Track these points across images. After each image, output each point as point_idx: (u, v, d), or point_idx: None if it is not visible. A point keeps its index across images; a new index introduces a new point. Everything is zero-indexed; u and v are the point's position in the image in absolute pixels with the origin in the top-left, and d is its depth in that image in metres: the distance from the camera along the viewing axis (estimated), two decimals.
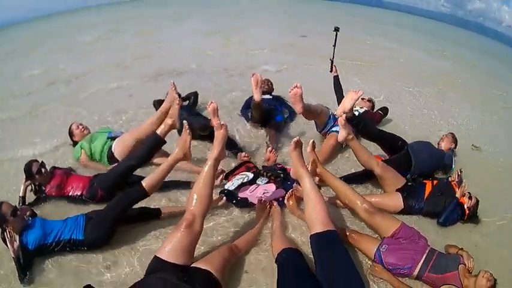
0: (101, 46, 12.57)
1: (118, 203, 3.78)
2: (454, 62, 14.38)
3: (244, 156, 5.24)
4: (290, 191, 4.43)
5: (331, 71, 6.31)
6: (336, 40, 6.12)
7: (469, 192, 4.47)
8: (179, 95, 4.71)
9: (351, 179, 4.94)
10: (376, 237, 3.95)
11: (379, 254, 3.69)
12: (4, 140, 6.09)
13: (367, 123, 5.03)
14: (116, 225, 3.77)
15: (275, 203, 4.31)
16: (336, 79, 6.24)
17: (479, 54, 18.11)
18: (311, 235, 3.30)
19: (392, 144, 5.16)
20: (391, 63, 12.38)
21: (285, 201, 4.38)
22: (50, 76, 9.49)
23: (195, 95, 6.72)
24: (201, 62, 10.41)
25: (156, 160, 4.90)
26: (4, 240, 3.40)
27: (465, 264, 3.54)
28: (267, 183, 4.73)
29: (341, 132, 4.42)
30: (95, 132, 5.33)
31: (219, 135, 3.62)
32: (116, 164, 4.75)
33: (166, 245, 3.01)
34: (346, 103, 4.57)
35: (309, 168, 3.90)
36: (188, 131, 3.88)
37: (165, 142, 4.51)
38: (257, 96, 5.48)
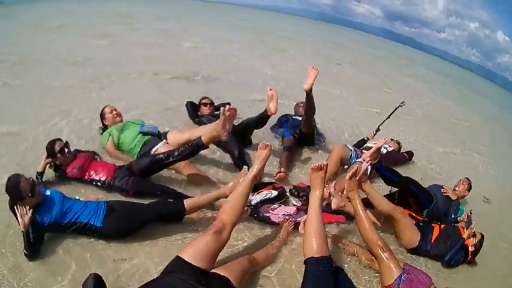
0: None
1: (153, 209, 3.77)
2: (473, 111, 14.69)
3: (281, 172, 5.21)
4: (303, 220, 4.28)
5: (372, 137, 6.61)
6: (394, 111, 6.42)
7: (474, 232, 4.55)
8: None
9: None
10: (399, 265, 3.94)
11: (398, 281, 3.70)
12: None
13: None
14: (141, 226, 3.73)
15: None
16: (364, 141, 6.59)
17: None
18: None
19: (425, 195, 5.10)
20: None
21: (300, 228, 4.32)
22: None
23: (228, 104, 6.58)
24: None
25: (185, 171, 4.87)
26: (14, 213, 3.25)
27: None
28: (297, 207, 4.67)
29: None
30: (127, 122, 5.21)
31: (262, 154, 3.68)
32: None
33: (191, 247, 2.96)
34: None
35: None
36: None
37: (207, 147, 4.54)
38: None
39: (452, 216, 5.24)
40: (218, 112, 6.24)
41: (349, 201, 4.23)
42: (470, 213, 5.00)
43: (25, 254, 3.23)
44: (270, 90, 5.24)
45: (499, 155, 10.22)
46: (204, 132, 4.52)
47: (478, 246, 4.52)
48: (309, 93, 5.25)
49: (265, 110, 5.32)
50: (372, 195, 4.37)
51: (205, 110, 6.37)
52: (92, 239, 3.59)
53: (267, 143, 3.74)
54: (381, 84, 13.68)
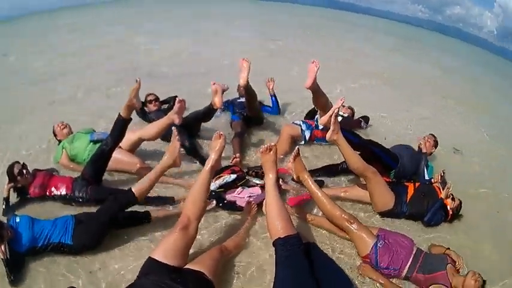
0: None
1: (108, 208, 3.85)
2: (433, 67, 15.28)
3: (236, 158, 5.37)
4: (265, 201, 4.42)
5: None
6: None
7: (452, 194, 4.71)
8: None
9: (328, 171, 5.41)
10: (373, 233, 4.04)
11: (375, 250, 3.82)
12: None
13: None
14: (105, 230, 3.85)
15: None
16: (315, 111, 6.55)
17: (459, 60, 18.87)
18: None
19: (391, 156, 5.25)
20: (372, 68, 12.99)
21: (263, 207, 4.30)
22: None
23: (174, 99, 6.54)
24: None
25: (137, 170, 5.03)
26: None
27: (453, 264, 3.76)
28: (260, 185, 4.85)
29: (330, 129, 4.39)
30: (77, 133, 5.38)
31: (216, 144, 3.77)
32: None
33: (161, 246, 3.12)
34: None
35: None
36: (177, 137, 4.02)
37: (130, 120, 4.59)
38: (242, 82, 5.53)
39: (425, 172, 5.39)
40: (165, 106, 6.68)
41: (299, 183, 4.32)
42: (443, 173, 5.13)
43: (9, 282, 3.45)
44: (213, 84, 5.45)
45: (465, 106, 10.64)
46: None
47: (456, 211, 4.71)
48: (246, 87, 5.53)
49: (211, 103, 5.52)
50: (344, 149, 4.39)
51: (152, 107, 6.48)
52: (68, 256, 3.76)
53: (221, 133, 3.83)
54: (325, 54, 13.72)
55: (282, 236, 3.17)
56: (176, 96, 6.35)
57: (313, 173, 5.02)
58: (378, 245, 3.83)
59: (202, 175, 3.60)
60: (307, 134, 6.16)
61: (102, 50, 11.65)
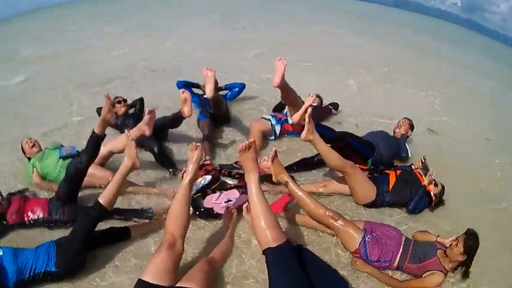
0: None
1: (81, 226, 3.78)
2: (395, 44, 15.74)
3: (206, 160, 5.41)
4: (245, 205, 4.43)
5: None
6: None
7: (434, 179, 4.85)
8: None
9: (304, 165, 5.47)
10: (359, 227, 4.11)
11: (364, 244, 3.89)
12: None
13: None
14: (84, 249, 3.79)
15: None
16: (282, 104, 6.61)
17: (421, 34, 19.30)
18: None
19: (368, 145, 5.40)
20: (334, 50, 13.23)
21: (244, 212, 4.43)
22: None
23: (141, 101, 6.83)
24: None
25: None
26: None
27: (443, 249, 3.87)
28: (235, 186, 4.89)
29: (305, 129, 4.45)
30: (46, 149, 5.31)
31: (193, 155, 3.75)
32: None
33: (150, 267, 3.11)
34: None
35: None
36: (131, 138, 4.06)
37: (104, 136, 4.55)
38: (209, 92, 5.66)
39: (403, 154, 5.67)
40: (132, 110, 6.63)
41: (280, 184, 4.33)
42: (424, 159, 5.26)
43: None
44: (183, 93, 5.42)
45: (434, 86, 10.93)
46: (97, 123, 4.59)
47: (439, 196, 4.86)
48: (213, 98, 5.70)
49: (180, 111, 5.51)
50: (320, 148, 4.46)
51: (119, 108, 6.34)
52: (57, 283, 3.68)
53: (197, 144, 3.81)
54: (285, 40, 13.96)
55: (272, 246, 3.15)
56: (142, 98, 6.82)
57: (288, 168, 5.08)
58: (366, 239, 3.90)
59: (181, 189, 3.59)
60: (278, 129, 6.21)
61: (64, 55, 11.32)
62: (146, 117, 4.91)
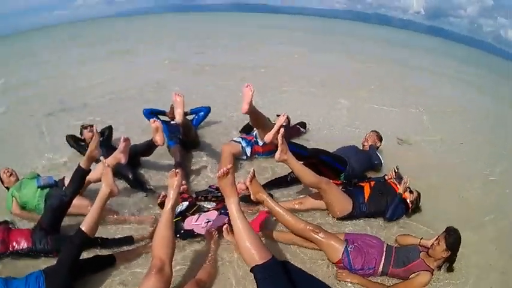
0: None
1: (66, 254, 3.80)
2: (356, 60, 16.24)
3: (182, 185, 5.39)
4: (225, 226, 4.62)
5: None
6: None
7: (409, 187, 5.05)
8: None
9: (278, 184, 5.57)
10: (341, 238, 4.26)
11: (347, 254, 4.03)
12: None
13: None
14: (72, 277, 3.80)
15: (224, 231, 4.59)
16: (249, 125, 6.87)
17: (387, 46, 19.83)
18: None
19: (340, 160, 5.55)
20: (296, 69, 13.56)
21: (224, 233, 4.56)
22: None
23: (110, 129, 6.88)
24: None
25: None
26: None
27: (425, 250, 4.06)
28: (213, 209, 4.97)
29: (278, 150, 4.58)
30: (24, 179, 5.35)
31: (173, 182, 3.85)
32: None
33: None
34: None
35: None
36: (106, 164, 4.10)
37: (89, 170, 4.66)
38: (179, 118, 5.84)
39: (376, 162, 5.91)
40: (102, 138, 6.54)
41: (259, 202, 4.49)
42: (397, 169, 5.43)
43: None
44: (154, 122, 5.46)
45: (402, 97, 11.47)
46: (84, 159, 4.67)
47: (416, 203, 5.06)
48: (183, 124, 5.88)
49: (152, 140, 5.55)
50: (295, 167, 4.60)
51: (87, 133, 6.45)
52: None
53: (177, 171, 3.94)
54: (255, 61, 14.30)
55: (259, 263, 3.26)
56: (111, 126, 6.93)
57: (263, 187, 5.08)
58: (349, 249, 4.05)
59: (164, 216, 3.69)
60: (248, 151, 6.32)
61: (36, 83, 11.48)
62: (122, 145, 4.92)
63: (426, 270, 3.87)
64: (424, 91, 12.53)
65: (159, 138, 5.43)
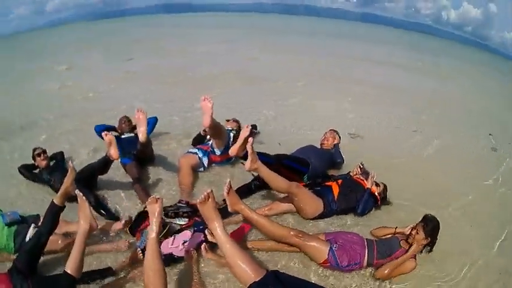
0: None
1: None
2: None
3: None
4: (203, 245, 4.63)
5: None
6: None
7: (375, 181, 5.36)
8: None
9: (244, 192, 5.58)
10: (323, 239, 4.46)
11: (332, 253, 4.24)
12: None
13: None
14: None
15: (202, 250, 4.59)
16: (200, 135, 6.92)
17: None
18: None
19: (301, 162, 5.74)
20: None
21: (203, 253, 4.56)
22: None
23: (61, 154, 6.79)
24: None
25: (62, 248, 4.79)
26: None
27: (404, 238, 4.41)
28: (185, 226, 4.95)
29: (249, 159, 4.69)
30: None
31: (155, 208, 3.83)
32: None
33: None
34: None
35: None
36: (84, 198, 4.07)
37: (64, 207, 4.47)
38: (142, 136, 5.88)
39: (339, 160, 6.19)
40: (53, 162, 6.47)
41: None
42: (362, 165, 5.72)
43: None
44: (106, 135, 5.44)
45: (345, 88, 12.04)
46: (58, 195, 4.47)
47: (383, 194, 5.41)
48: (145, 142, 5.91)
49: (106, 155, 5.52)
50: (265, 175, 4.74)
51: (40, 161, 6.23)
52: None
53: (157, 197, 3.91)
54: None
55: (257, 280, 3.35)
56: (62, 152, 6.76)
57: None
58: (333, 248, 4.27)
59: (150, 245, 3.65)
60: (205, 161, 6.35)
61: None
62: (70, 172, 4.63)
63: (411, 258, 4.21)
64: (361, 81, 13.19)
65: (113, 151, 5.42)
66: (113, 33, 24.03)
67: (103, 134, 5.49)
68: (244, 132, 4.84)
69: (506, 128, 10.17)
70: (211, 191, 3.78)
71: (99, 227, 4.44)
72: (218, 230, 3.72)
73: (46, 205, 4.39)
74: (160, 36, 22.31)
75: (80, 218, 4.02)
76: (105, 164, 5.67)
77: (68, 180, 4.40)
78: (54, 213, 4.36)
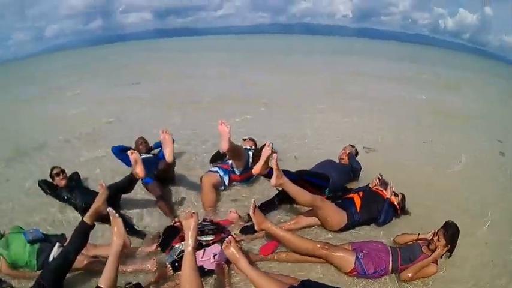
0: None
1: None
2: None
3: (176, 222, 5.41)
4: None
5: None
6: None
7: (394, 191, 5.58)
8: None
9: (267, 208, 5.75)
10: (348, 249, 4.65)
11: (359, 262, 4.44)
12: None
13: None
14: None
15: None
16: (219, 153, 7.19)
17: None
18: None
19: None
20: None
21: (233, 267, 4.60)
22: None
23: (77, 174, 6.92)
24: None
25: (85, 266, 4.76)
26: None
27: (426, 244, 4.60)
28: (213, 241, 4.99)
29: (274, 175, 4.82)
30: (8, 235, 5.05)
31: (190, 223, 3.96)
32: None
33: None
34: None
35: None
36: (117, 215, 4.15)
37: (93, 226, 4.49)
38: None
39: (355, 166, 6.49)
40: (73, 182, 6.54)
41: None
42: (381, 176, 5.95)
43: None
44: (132, 154, 5.45)
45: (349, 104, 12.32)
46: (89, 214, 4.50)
47: (402, 204, 5.63)
48: (172, 161, 5.98)
49: (132, 173, 5.53)
50: (291, 189, 4.94)
51: (59, 181, 6.31)
52: None
53: (193, 212, 4.04)
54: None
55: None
56: (77, 172, 6.92)
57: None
58: (359, 257, 4.48)
59: (187, 259, 3.80)
60: (226, 179, 6.46)
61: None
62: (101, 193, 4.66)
63: (433, 263, 4.44)
64: (365, 96, 13.49)
65: (139, 169, 5.41)
66: (115, 57, 24.18)
67: (128, 152, 5.49)
68: (266, 151, 5.00)
69: None
70: (234, 235, 4.18)
71: (131, 245, 4.46)
72: (246, 270, 3.84)
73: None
74: (163, 60, 22.54)
75: (113, 235, 4.09)
76: (130, 182, 5.66)
77: (100, 199, 4.45)
78: (84, 231, 4.40)
